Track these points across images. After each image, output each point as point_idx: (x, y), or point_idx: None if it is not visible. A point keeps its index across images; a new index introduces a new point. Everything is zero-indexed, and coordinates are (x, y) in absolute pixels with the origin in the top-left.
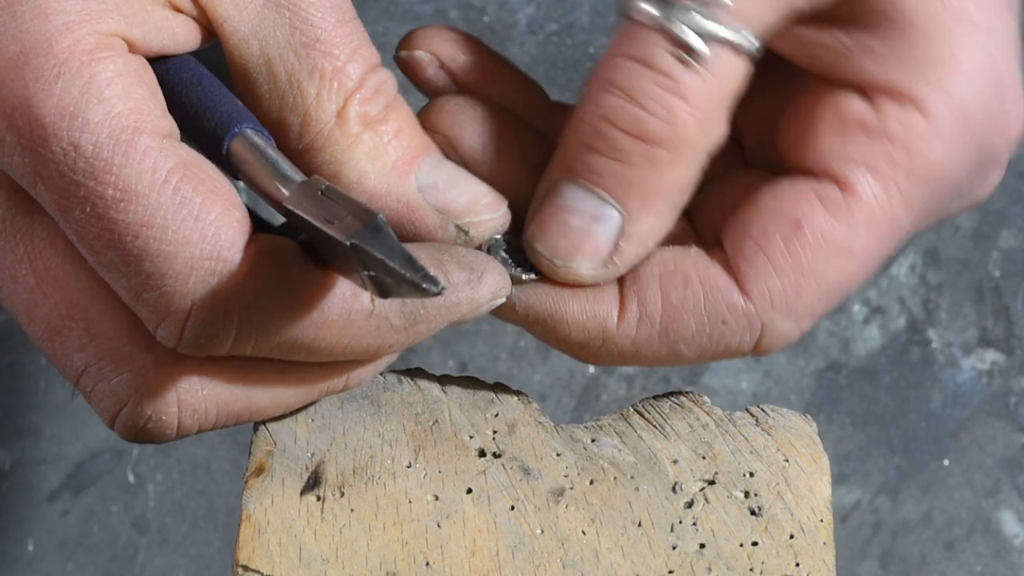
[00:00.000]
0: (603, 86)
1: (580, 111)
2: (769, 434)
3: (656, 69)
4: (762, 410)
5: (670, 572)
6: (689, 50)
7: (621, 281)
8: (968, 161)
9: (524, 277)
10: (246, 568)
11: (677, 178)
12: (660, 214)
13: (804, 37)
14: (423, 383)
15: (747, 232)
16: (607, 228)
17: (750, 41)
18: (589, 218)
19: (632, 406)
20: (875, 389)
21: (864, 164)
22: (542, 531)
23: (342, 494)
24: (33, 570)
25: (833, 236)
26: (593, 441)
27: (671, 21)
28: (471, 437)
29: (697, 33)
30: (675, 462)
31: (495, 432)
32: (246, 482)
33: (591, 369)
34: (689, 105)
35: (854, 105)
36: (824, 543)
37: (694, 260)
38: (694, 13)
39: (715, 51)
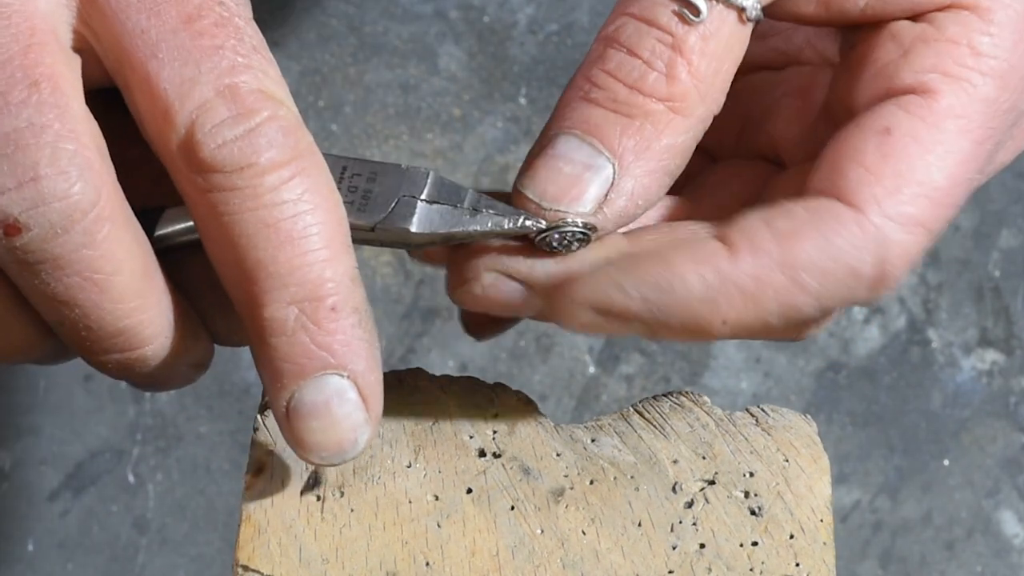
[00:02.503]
0: (604, 42)
1: (582, 69)
2: (769, 434)
3: (658, 26)
4: (762, 410)
5: (670, 572)
6: (692, 7)
7: (718, 230)
8: None
9: (574, 234)
10: (246, 568)
11: (672, 139)
12: (652, 173)
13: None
14: (423, 383)
15: (839, 154)
16: (599, 177)
17: (752, 4)
18: (581, 166)
19: (632, 406)
20: (875, 389)
21: (935, 69)
22: (542, 531)
23: (342, 494)
24: (33, 570)
25: (924, 136)
26: (593, 441)
27: None
28: (471, 437)
29: None
30: (675, 462)
31: (495, 432)
32: (246, 482)
33: (591, 369)
34: (688, 64)
35: (906, 28)
36: (824, 543)
37: (795, 181)
38: None
39: (716, 11)
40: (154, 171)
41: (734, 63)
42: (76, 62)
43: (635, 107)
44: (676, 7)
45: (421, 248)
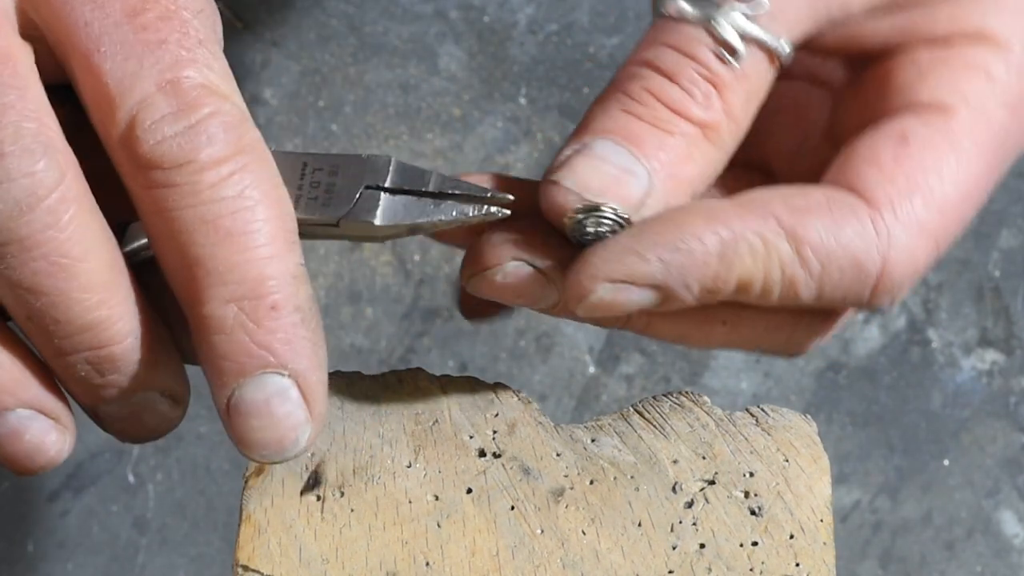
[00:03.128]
0: (645, 65)
1: (619, 85)
2: (769, 434)
3: (696, 59)
4: (762, 410)
5: (670, 572)
6: (729, 48)
7: (735, 199)
8: None
9: (607, 221)
10: (246, 568)
11: (702, 161)
12: (680, 188)
13: (845, 30)
14: (423, 383)
15: (855, 157)
16: (638, 182)
17: (783, 47)
18: (621, 168)
19: (632, 406)
20: (875, 389)
21: (953, 91)
22: (542, 531)
23: (342, 494)
24: (33, 570)
25: (940, 148)
26: (593, 441)
27: (715, 19)
28: (471, 437)
29: (737, 33)
30: (675, 462)
31: (495, 432)
32: (246, 482)
33: (591, 369)
34: (723, 101)
35: (924, 53)
36: (824, 543)
37: (804, 182)
38: (736, 13)
39: (750, 52)
40: (117, 182)
41: (761, 100)
42: (28, 49)
43: (674, 126)
44: (714, 46)
45: (387, 240)
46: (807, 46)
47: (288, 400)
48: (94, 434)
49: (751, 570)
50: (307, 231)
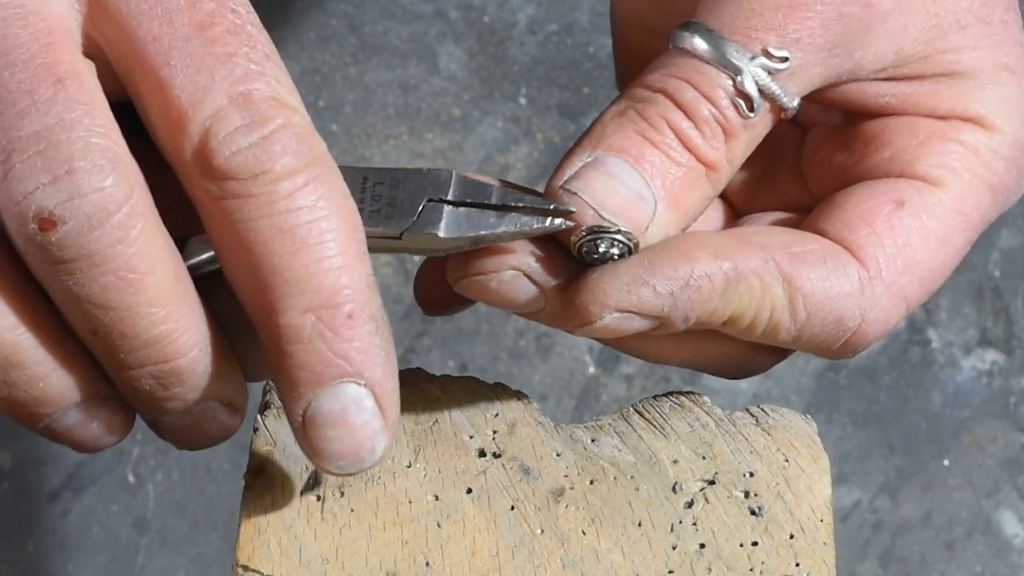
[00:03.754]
0: (663, 94)
1: (634, 105)
2: (769, 434)
3: (715, 104)
4: (762, 410)
5: (670, 572)
6: (747, 101)
7: (736, 232)
8: (1020, 180)
9: (619, 243)
10: (246, 568)
11: (701, 197)
12: (681, 221)
13: (848, 88)
14: (423, 383)
15: (849, 210)
16: (646, 209)
17: (792, 105)
18: (634, 193)
19: (632, 406)
20: (875, 389)
21: (947, 167)
22: (542, 531)
23: (342, 494)
24: (33, 570)
25: (930, 220)
26: (593, 441)
27: (740, 71)
28: (471, 437)
29: (758, 87)
30: (675, 462)
31: (495, 432)
32: (246, 482)
33: (591, 369)
34: (729, 149)
35: (923, 122)
36: (824, 543)
37: (761, 212)
38: (761, 69)
39: (764, 109)
40: (174, 199)
41: (754, 149)
42: (92, 66)
43: (683, 160)
44: (734, 96)
45: (450, 252)
46: (807, 97)
47: (364, 409)
48: None
49: (751, 570)
50: (370, 244)
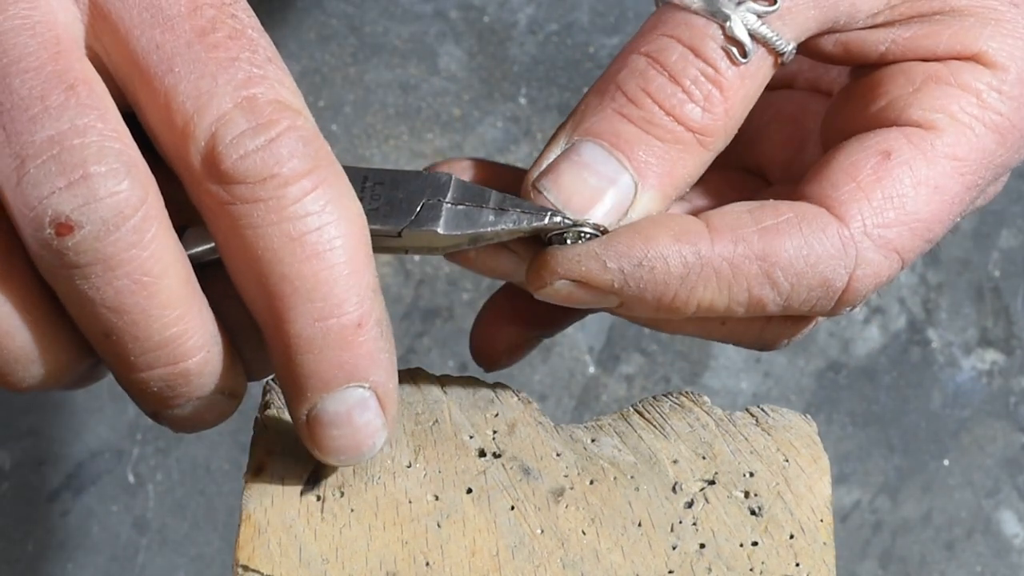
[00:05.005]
0: (644, 60)
1: (614, 78)
2: (769, 434)
3: (703, 57)
4: (762, 410)
5: (670, 572)
6: (739, 47)
7: (703, 216)
8: None
9: (585, 235)
10: (246, 568)
11: (692, 166)
12: (667, 197)
13: (846, 37)
14: (423, 383)
15: (835, 167)
16: (622, 193)
17: (789, 48)
18: (606, 180)
19: (632, 406)
20: (875, 389)
21: (942, 110)
22: (542, 531)
23: (342, 494)
24: (33, 570)
25: (919, 168)
26: (593, 441)
27: (728, 17)
28: (471, 437)
29: (748, 32)
30: (675, 462)
31: (495, 432)
32: (246, 482)
33: (591, 369)
34: (726, 102)
35: (919, 66)
36: (824, 543)
37: (778, 197)
38: (749, 13)
39: (760, 54)
40: (169, 199)
41: (754, 101)
42: (98, 75)
43: (668, 132)
44: (724, 43)
45: (448, 251)
46: (807, 51)
47: (368, 409)
48: (94, 434)
49: (751, 570)
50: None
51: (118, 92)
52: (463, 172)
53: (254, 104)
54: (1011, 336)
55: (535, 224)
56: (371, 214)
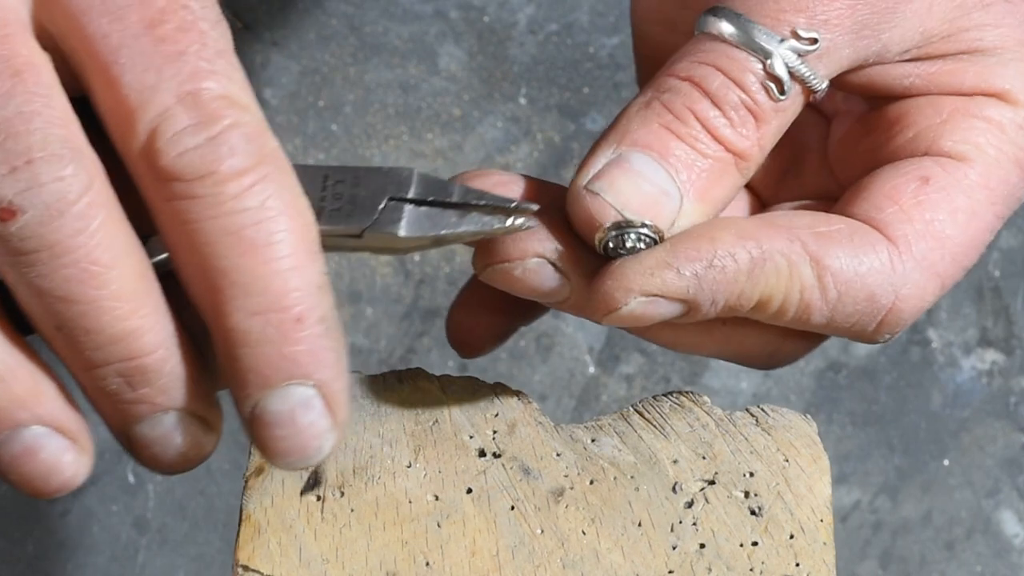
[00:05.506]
0: (689, 82)
1: (659, 96)
2: (769, 434)
3: (744, 89)
4: (762, 410)
5: (670, 572)
6: (778, 83)
7: (760, 218)
8: None
9: (644, 239)
10: (246, 568)
11: (729, 187)
12: (708, 213)
13: (873, 71)
14: (423, 383)
15: (875, 191)
16: (671, 204)
17: (822, 87)
18: (659, 189)
19: (632, 406)
20: (875, 389)
21: (971, 142)
22: (542, 531)
23: (342, 494)
24: (33, 570)
25: (956, 196)
26: (593, 441)
27: (770, 54)
28: (471, 437)
29: (788, 70)
30: (675, 462)
31: (495, 432)
32: (246, 482)
33: (591, 369)
34: (760, 134)
35: (946, 100)
36: (824, 543)
37: (791, 202)
38: (790, 52)
39: (795, 91)
40: (139, 200)
41: (783, 132)
42: (47, 58)
43: (710, 149)
44: (764, 79)
45: (411, 251)
46: (832, 83)
47: (312, 409)
48: (94, 434)
49: (751, 570)
50: (330, 243)
51: (72, 75)
52: (497, 187)
53: (197, 100)
54: (1011, 336)
55: (496, 227)
56: (332, 215)
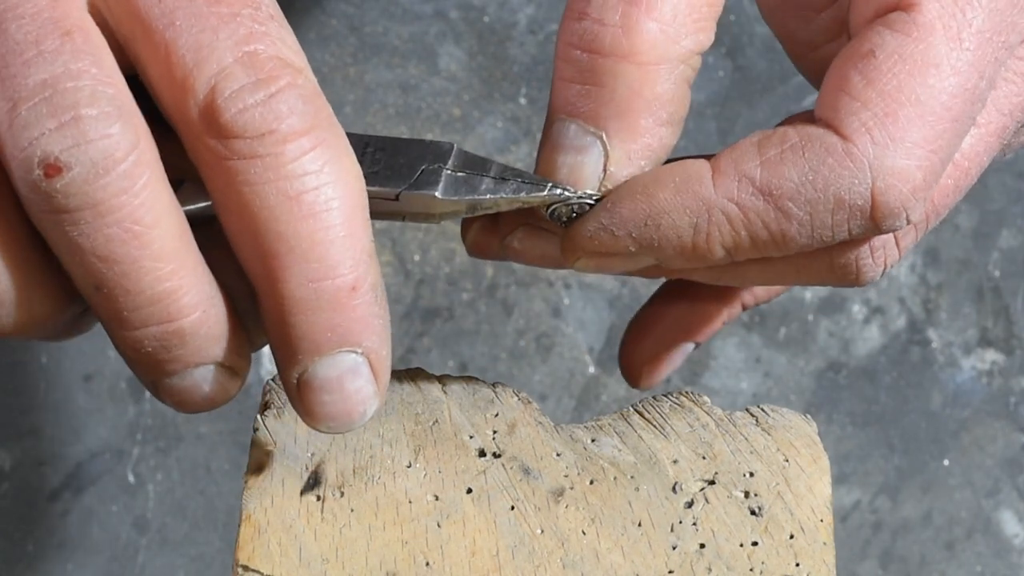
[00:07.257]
0: (567, 16)
1: (556, 63)
2: (769, 434)
3: None
4: (762, 410)
5: (670, 572)
6: None
7: (712, 157)
8: None
9: (587, 202)
10: (246, 568)
11: (653, 90)
12: (645, 131)
13: None
14: (423, 383)
15: (828, 86)
16: (592, 157)
17: None
18: (575, 151)
19: (632, 406)
20: (875, 389)
21: None
22: (542, 531)
23: (342, 494)
24: (33, 570)
25: (909, 51)
26: (593, 441)
27: None
28: (471, 437)
29: None
30: (675, 462)
31: (495, 432)
32: (246, 482)
33: (591, 369)
34: (647, 11)
35: None
36: (824, 543)
37: (788, 124)
38: None
39: None
40: (166, 159)
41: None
42: (97, 28)
43: (601, 73)
44: None
45: (445, 218)
46: None
47: (360, 376)
48: (94, 434)
49: (751, 570)
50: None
51: (120, 51)
52: None
53: (255, 59)
54: (1011, 336)
55: (534, 195)
56: (369, 176)
